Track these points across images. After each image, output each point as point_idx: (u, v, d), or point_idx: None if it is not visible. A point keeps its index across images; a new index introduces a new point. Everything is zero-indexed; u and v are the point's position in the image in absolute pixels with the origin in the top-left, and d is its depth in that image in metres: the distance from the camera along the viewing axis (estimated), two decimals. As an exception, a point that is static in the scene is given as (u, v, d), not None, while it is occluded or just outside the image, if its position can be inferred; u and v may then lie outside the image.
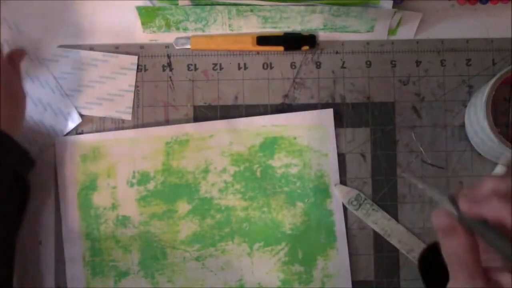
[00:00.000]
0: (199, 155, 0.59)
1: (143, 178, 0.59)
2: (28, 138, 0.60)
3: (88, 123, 0.60)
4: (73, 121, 0.60)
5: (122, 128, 0.60)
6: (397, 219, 0.59)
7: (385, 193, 0.59)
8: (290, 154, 0.59)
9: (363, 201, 0.59)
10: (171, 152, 0.59)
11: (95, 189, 0.59)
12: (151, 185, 0.59)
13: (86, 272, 0.58)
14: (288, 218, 0.59)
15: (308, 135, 0.59)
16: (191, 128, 0.59)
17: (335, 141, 0.59)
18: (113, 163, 0.59)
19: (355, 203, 0.59)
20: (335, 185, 0.59)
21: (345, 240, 0.58)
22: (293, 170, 0.59)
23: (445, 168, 0.60)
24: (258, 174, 0.59)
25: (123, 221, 0.59)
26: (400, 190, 0.59)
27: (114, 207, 0.59)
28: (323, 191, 0.59)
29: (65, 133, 0.60)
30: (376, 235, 0.59)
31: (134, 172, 0.59)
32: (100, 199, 0.59)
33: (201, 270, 0.59)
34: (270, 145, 0.59)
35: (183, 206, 0.59)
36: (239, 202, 0.59)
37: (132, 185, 0.59)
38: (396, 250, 0.59)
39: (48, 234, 0.59)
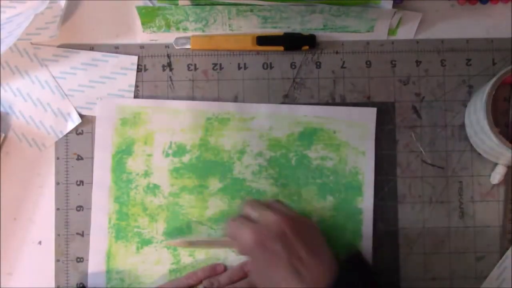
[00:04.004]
0: (237, 135, 0.59)
1: (179, 150, 0.59)
2: (28, 138, 0.60)
3: (88, 123, 0.60)
4: (73, 122, 0.60)
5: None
6: (397, 219, 0.59)
7: (385, 193, 0.59)
8: (327, 147, 0.59)
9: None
10: (211, 128, 0.59)
11: (130, 154, 0.59)
12: (186, 158, 0.59)
13: (110, 234, 0.59)
14: (317, 210, 0.59)
15: (348, 131, 0.59)
16: (233, 108, 0.60)
17: (374, 141, 0.59)
18: (152, 131, 0.59)
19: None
20: None
21: (371, 241, 0.58)
22: (329, 164, 0.59)
23: (445, 168, 0.60)
24: (293, 162, 0.59)
25: (154, 189, 0.59)
26: (400, 190, 0.59)
27: (146, 174, 0.59)
28: (355, 189, 0.59)
29: (65, 133, 0.60)
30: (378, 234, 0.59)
31: (171, 142, 0.59)
32: (134, 164, 0.59)
33: (223, 249, 0.59)
34: (309, 135, 0.59)
35: (214, 183, 0.59)
36: (271, 188, 0.59)
37: (167, 155, 0.59)
38: (396, 249, 0.59)
39: (48, 234, 0.59)
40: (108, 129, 0.59)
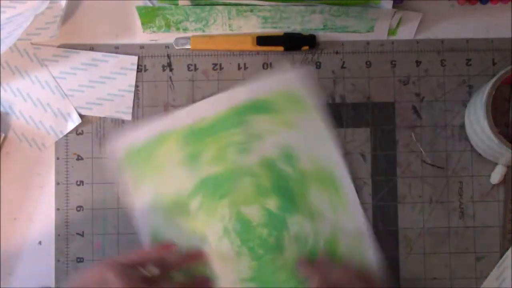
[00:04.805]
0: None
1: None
2: (28, 138, 0.60)
3: (88, 124, 0.60)
4: (73, 122, 0.60)
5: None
6: (397, 219, 0.59)
7: (385, 193, 0.59)
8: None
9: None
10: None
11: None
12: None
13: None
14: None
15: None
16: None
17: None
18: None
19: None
20: None
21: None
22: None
23: (445, 168, 0.60)
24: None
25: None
26: (400, 190, 0.59)
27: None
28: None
29: (65, 133, 0.60)
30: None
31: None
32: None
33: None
34: None
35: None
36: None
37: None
38: (396, 250, 0.59)
39: (48, 234, 0.59)
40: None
